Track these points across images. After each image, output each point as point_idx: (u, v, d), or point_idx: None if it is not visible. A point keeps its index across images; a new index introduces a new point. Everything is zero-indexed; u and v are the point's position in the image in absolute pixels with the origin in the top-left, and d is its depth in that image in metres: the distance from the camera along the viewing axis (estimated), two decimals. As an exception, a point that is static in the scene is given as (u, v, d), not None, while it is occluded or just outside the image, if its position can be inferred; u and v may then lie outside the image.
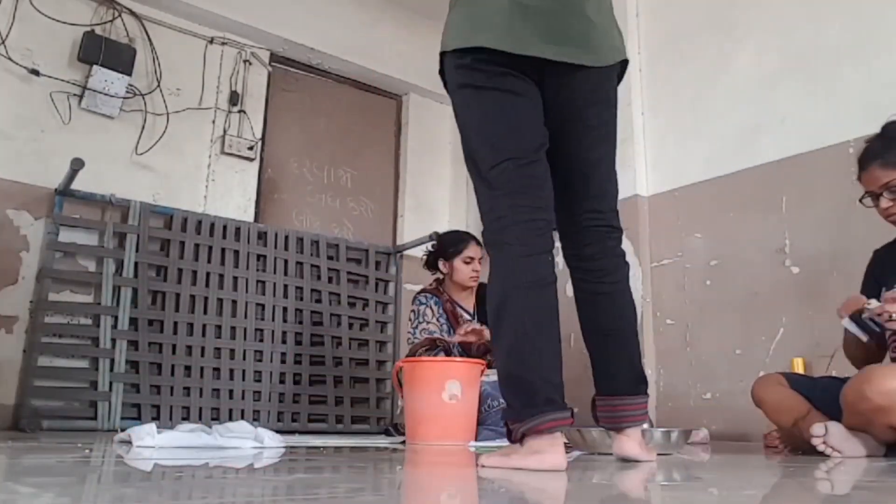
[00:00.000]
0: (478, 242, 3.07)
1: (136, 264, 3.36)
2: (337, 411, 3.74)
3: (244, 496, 0.96)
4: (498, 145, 1.51)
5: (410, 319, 3.16)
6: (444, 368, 2.48)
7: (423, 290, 3.25)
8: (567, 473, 1.33)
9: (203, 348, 3.45)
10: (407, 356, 2.99)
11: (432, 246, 3.32)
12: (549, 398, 1.36)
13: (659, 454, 1.85)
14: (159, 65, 3.72)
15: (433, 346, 2.95)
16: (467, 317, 3.15)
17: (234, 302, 3.60)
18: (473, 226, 4.71)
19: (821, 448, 1.86)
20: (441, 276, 3.25)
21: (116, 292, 3.29)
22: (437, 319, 3.09)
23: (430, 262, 3.27)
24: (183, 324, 3.42)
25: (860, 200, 2.04)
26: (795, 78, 3.00)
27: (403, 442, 2.65)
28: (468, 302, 3.21)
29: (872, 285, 2.10)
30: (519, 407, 1.39)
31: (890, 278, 2.03)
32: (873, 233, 2.28)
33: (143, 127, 3.61)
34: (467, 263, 3.10)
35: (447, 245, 3.18)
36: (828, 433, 1.85)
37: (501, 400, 2.60)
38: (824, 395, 2.00)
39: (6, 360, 3.06)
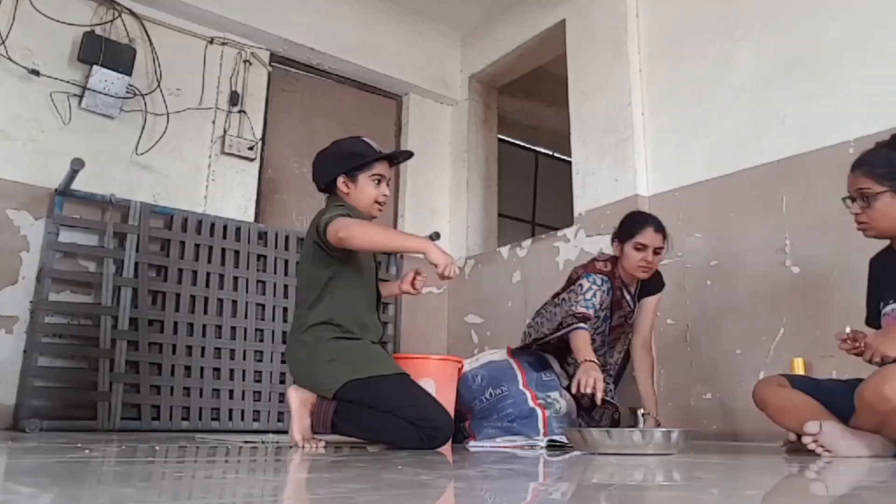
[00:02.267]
0: (656, 229, 2.66)
1: (136, 264, 3.36)
2: (337, 411, 3.74)
3: (244, 496, 0.96)
4: None
5: (574, 291, 2.67)
6: (416, 366, 2.36)
7: (598, 269, 2.70)
8: (565, 473, 1.33)
9: (203, 348, 3.45)
10: (559, 325, 2.65)
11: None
12: None
13: (659, 454, 1.86)
14: (159, 65, 3.72)
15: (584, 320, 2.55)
16: (628, 308, 2.76)
17: (234, 302, 3.60)
18: (473, 226, 4.72)
19: (811, 447, 1.85)
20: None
21: (116, 292, 3.29)
22: (599, 311, 2.66)
23: (612, 240, 2.80)
24: (183, 324, 3.42)
25: (843, 199, 2.02)
26: (795, 78, 3.00)
27: None
28: (633, 286, 2.79)
29: (875, 297, 2.08)
30: None
31: (886, 293, 2.00)
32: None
33: (143, 127, 3.61)
34: (638, 251, 2.66)
35: (624, 226, 2.74)
36: (821, 431, 1.84)
37: (504, 388, 2.58)
38: (830, 396, 1.98)
39: (6, 360, 3.06)
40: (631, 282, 2.77)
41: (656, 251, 2.65)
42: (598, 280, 2.67)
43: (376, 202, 2.30)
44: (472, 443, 2.51)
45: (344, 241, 2.05)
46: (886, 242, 2.06)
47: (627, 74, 3.65)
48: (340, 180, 2.27)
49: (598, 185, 3.72)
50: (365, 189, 2.28)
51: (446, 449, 2.13)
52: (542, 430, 2.50)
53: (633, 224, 2.70)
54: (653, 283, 2.82)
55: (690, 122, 3.40)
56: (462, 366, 2.63)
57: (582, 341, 2.50)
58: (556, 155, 6.70)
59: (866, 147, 2.70)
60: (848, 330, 1.96)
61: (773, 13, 3.13)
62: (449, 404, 2.36)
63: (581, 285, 2.66)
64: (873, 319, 2.08)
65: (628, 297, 2.78)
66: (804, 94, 2.96)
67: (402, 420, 2.05)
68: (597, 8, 3.90)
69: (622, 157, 3.61)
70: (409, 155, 2.45)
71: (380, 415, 2.07)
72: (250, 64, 4.06)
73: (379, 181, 2.29)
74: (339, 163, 2.29)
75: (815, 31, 2.96)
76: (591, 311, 2.59)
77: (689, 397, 3.14)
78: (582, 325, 2.53)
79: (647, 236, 2.64)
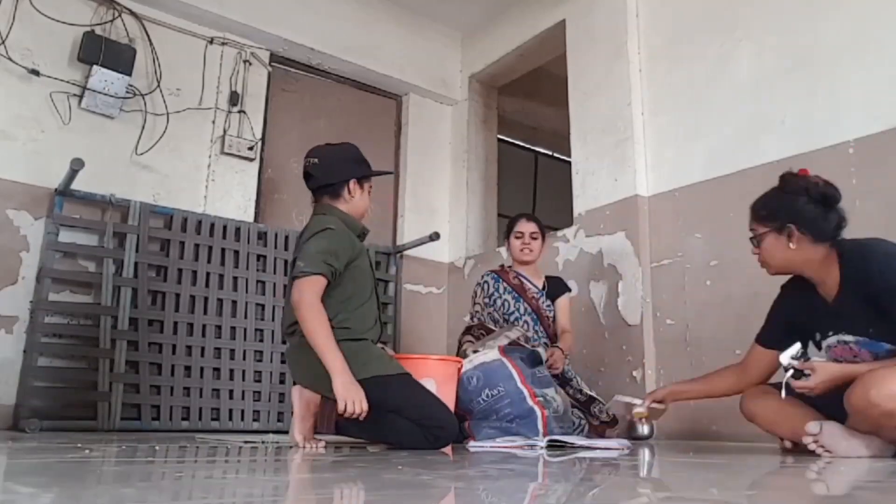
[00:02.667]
0: (528, 219, 3.28)
1: (135, 264, 3.36)
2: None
3: (244, 496, 0.96)
4: None
5: (473, 301, 3.32)
6: (416, 366, 2.37)
7: (487, 272, 3.36)
8: (565, 473, 1.32)
9: (203, 348, 3.45)
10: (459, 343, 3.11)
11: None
12: None
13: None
14: (159, 65, 3.72)
15: (472, 329, 3.11)
16: (534, 290, 3.24)
17: (234, 302, 3.60)
18: (473, 226, 4.72)
19: (812, 447, 1.86)
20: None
21: (116, 292, 3.29)
22: (489, 296, 3.23)
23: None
24: (183, 324, 3.42)
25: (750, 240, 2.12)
26: (795, 78, 3.00)
27: None
28: (536, 278, 3.29)
29: (781, 326, 2.10)
30: None
31: (821, 326, 2.00)
32: (873, 233, 2.27)
33: (143, 127, 3.61)
34: (517, 238, 3.25)
35: (506, 228, 3.35)
36: (822, 432, 1.85)
37: (500, 388, 2.58)
38: (821, 399, 1.95)
39: (6, 360, 3.06)
40: (530, 274, 3.28)
41: (532, 236, 3.24)
42: (480, 278, 3.34)
43: (365, 211, 2.40)
44: (471, 443, 2.50)
45: (295, 307, 2.04)
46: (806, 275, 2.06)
47: (627, 74, 3.66)
48: (353, 183, 2.30)
49: (597, 186, 3.72)
50: (365, 198, 2.36)
51: (446, 449, 2.13)
52: (541, 430, 2.50)
53: (511, 221, 3.33)
54: (559, 287, 3.33)
55: (690, 123, 3.40)
56: (461, 366, 2.62)
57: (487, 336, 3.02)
58: (555, 155, 6.70)
59: (866, 147, 2.72)
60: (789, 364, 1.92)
61: (773, 13, 3.13)
62: (449, 404, 2.37)
63: (474, 293, 3.33)
64: (772, 341, 2.10)
65: (531, 284, 3.25)
66: (804, 94, 2.96)
67: (406, 420, 2.05)
68: (597, 8, 3.90)
69: (622, 157, 3.61)
70: (390, 173, 2.80)
71: (385, 414, 2.07)
72: (250, 64, 4.06)
73: (369, 193, 2.41)
74: (355, 166, 2.33)
75: (815, 31, 2.96)
76: (468, 320, 3.27)
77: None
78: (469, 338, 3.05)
79: (521, 225, 3.26)
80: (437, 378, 2.40)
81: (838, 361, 1.92)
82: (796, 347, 1.91)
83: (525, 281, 3.27)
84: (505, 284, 3.24)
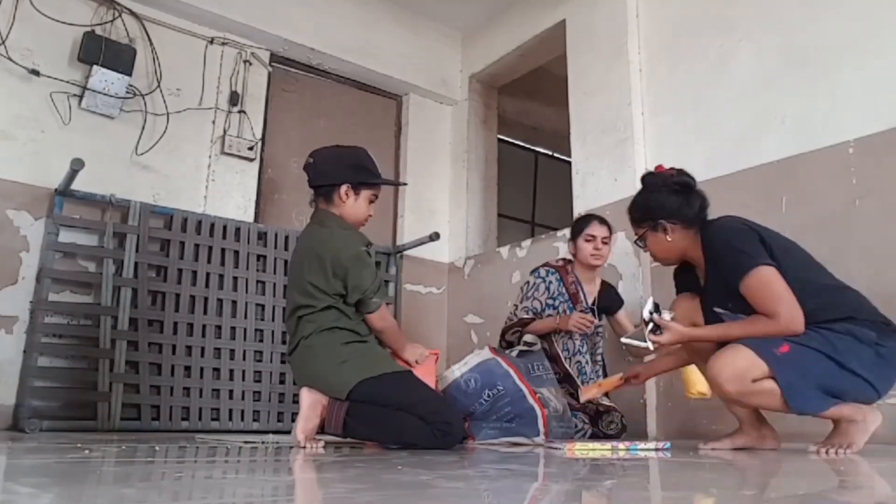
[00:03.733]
0: (601, 222, 3.12)
1: (135, 265, 3.36)
2: (337, 411, 3.74)
3: (244, 496, 0.96)
4: None
5: (520, 294, 3.12)
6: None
7: (545, 264, 3.17)
8: (565, 473, 1.32)
9: (203, 348, 3.45)
10: (502, 333, 3.07)
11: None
12: None
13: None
14: (159, 65, 3.72)
15: (523, 326, 3.00)
16: (584, 304, 3.08)
17: (234, 302, 3.60)
18: (473, 226, 4.72)
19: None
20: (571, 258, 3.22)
21: (116, 293, 3.29)
22: (553, 297, 3.06)
23: (568, 242, 3.28)
24: (183, 324, 3.42)
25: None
26: (795, 78, 3.00)
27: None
28: (591, 287, 3.15)
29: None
30: None
31: (711, 300, 2.13)
32: (873, 233, 2.28)
33: (143, 127, 3.61)
34: (588, 241, 3.09)
35: (575, 226, 3.20)
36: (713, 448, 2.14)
37: (500, 386, 2.57)
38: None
39: (6, 360, 3.06)
40: (587, 281, 3.13)
41: (604, 241, 3.08)
42: (543, 272, 3.11)
43: (365, 220, 2.37)
44: (471, 443, 2.49)
45: (375, 327, 2.27)
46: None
47: (627, 74, 3.65)
48: (344, 188, 2.27)
49: (597, 185, 3.72)
50: (362, 205, 2.32)
51: (447, 450, 2.12)
52: (542, 430, 2.49)
53: (581, 221, 3.18)
54: (612, 300, 3.23)
55: (690, 123, 3.40)
56: (438, 355, 2.59)
57: (538, 325, 2.98)
58: (555, 155, 6.70)
59: (866, 147, 2.72)
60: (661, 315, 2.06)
61: (773, 13, 3.13)
62: None
63: (527, 283, 3.11)
64: None
65: (584, 294, 3.11)
66: (804, 94, 2.96)
67: (414, 417, 2.06)
68: (597, 8, 3.90)
69: (622, 157, 3.61)
70: (404, 184, 2.70)
71: (392, 413, 2.07)
72: (250, 64, 4.06)
73: (372, 201, 2.36)
74: (350, 171, 2.29)
75: (815, 31, 2.96)
76: (528, 315, 3.03)
77: (689, 397, 3.13)
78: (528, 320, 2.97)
79: (594, 228, 3.09)
80: (419, 370, 2.38)
81: None
82: (650, 302, 2.05)
83: (580, 290, 3.10)
84: (564, 287, 3.08)
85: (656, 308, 2.05)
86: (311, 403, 2.13)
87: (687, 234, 2.12)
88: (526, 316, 3.04)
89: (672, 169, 2.17)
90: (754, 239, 1.98)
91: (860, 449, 1.91)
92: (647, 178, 2.20)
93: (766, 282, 1.90)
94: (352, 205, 2.28)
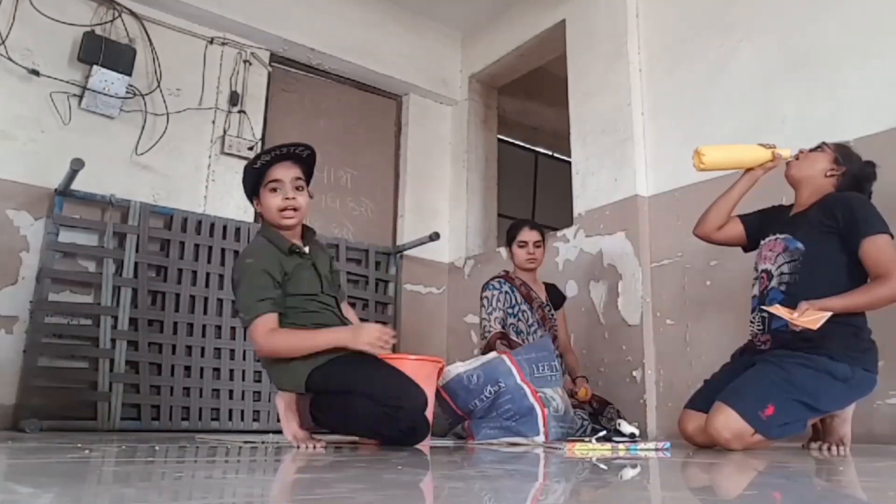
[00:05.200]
0: (531, 227, 3.26)
1: (135, 265, 3.36)
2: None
3: (244, 496, 0.96)
4: None
5: (483, 306, 3.17)
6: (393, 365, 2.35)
7: (493, 278, 3.28)
8: (565, 473, 1.32)
9: (203, 348, 3.45)
10: (483, 348, 3.08)
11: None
12: None
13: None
14: (159, 65, 3.72)
15: (504, 337, 3.06)
16: (540, 300, 3.23)
17: (234, 302, 3.59)
18: (473, 226, 4.71)
19: None
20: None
21: (116, 293, 3.29)
22: (512, 305, 3.17)
23: (506, 250, 3.42)
24: (183, 324, 3.42)
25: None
26: (795, 78, 3.00)
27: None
28: (538, 286, 3.29)
29: (757, 215, 2.54)
30: None
31: (773, 227, 2.41)
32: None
33: (143, 127, 3.61)
34: (521, 247, 3.22)
35: (508, 234, 3.32)
36: None
37: (501, 384, 2.57)
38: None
39: (6, 360, 3.06)
40: (531, 282, 3.27)
41: (536, 244, 3.21)
42: (496, 283, 3.21)
43: (280, 211, 2.14)
44: (471, 443, 2.49)
45: (260, 354, 2.12)
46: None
47: (627, 74, 3.65)
48: (255, 201, 2.19)
49: (597, 186, 3.72)
50: (266, 202, 2.15)
51: (446, 450, 2.12)
52: (542, 430, 2.49)
53: (512, 229, 3.30)
54: (558, 296, 3.37)
55: (690, 123, 3.40)
56: (443, 366, 2.58)
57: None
58: (555, 155, 6.70)
59: (866, 147, 2.71)
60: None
61: (773, 14, 3.13)
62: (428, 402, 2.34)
63: (485, 299, 3.19)
64: (746, 219, 2.56)
65: (536, 292, 3.25)
66: (804, 95, 2.96)
67: (364, 398, 1.96)
68: (597, 8, 3.90)
69: (622, 157, 3.61)
70: (299, 146, 2.18)
71: (345, 398, 2.00)
72: (250, 64, 4.06)
73: (274, 189, 2.14)
74: (245, 188, 2.21)
75: (815, 31, 2.96)
76: (498, 325, 3.11)
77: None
78: (501, 343, 3.00)
79: (525, 234, 3.22)
80: (416, 379, 2.35)
81: (763, 255, 2.39)
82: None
83: (531, 290, 3.24)
84: (517, 293, 3.19)
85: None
86: (284, 407, 2.12)
87: (832, 182, 2.31)
88: (499, 327, 3.12)
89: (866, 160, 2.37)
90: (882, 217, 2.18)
91: (849, 438, 2.18)
92: (868, 163, 2.37)
93: (891, 246, 2.11)
94: (265, 211, 2.16)
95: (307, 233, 2.30)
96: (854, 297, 2.09)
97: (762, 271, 2.37)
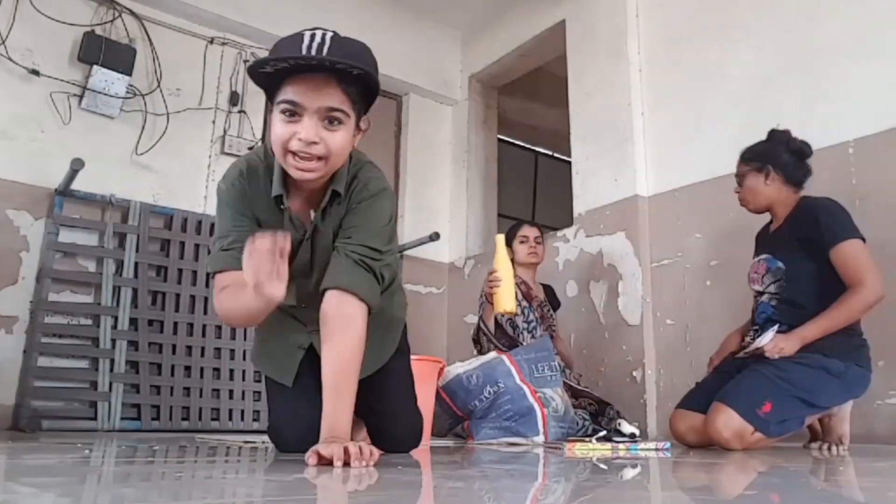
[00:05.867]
0: (530, 224, 3.38)
1: (136, 264, 3.36)
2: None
3: (244, 496, 0.96)
4: None
5: (481, 305, 3.22)
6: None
7: None
8: (565, 473, 1.32)
9: (203, 348, 3.45)
10: (475, 339, 3.16)
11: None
12: None
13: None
14: (159, 65, 3.72)
15: (502, 336, 3.09)
16: (540, 297, 3.28)
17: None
18: (473, 226, 4.72)
19: None
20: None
21: (116, 292, 3.29)
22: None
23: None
24: (183, 324, 3.42)
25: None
26: (795, 78, 3.00)
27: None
28: (536, 285, 3.35)
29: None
30: None
31: (759, 248, 2.47)
32: (873, 233, 2.28)
33: (143, 127, 3.61)
34: (523, 243, 3.28)
35: (507, 235, 3.33)
36: None
37: (501, 384, 2.58)
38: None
39: (6, 360, 3.06)
40: (531, 281, 3.31)
41: (536, 240, 3.30)
42: None
43: (289, 154, 1.38)
44: (471, 443, 2.50)
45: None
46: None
47: (627, 74, 3.65)
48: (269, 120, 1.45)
49: (597, 186, 3.72)
50: (274, 126, 1.39)
51: (446, 450, 2.12)
52: (541, 430, 2.49)
53: (512, 228, 3.38)
54: (554, 299, 3.42)
55: (690, 123, 3.40)
56: (443, 366, 2.59)
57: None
58: (556, 155, 6.70)
59: (866, 147, 2.72)
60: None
61: (773, 14, 3.13)
62: (428, 404, 2.37)
63: (483, 297, 3.14)
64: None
65: (536, 290, 3.30)
66: (804, 95, 2.96)
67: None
68: (597, 8, 3.90)
69: (622, 157, 3.61)
70: (347, 63, 1.42)
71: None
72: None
73: (291, 114, 1.36)
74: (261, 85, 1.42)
75: (815, 31, 2.96)
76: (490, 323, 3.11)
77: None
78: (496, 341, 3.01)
79: (525, 230, 3.32)
80: (416, 379, 2.33)
81: (751, 277, 2.43)
82: (775, 329, 2.21)
83: (530, 288, 3.27)
84: (517, 292, 3.18)
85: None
86: None
87: (782, 189, 2.34)
88: (491, 324, 3.14)
89: (797, 137, 2.39)
90: (851, 219, 2.21)
91: (848, 437, 2.21)
92: (774, 132, 2.40)
93: (860, 251, 2.14)
94: (272, 138, 1.40)
95: (333, 197, 1.51)
96: (830, 318, 2.13)
97: (755, 292, 2.45)
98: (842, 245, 2.14)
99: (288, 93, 1.36)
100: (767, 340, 2.17)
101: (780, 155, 2.35)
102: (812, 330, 2.14)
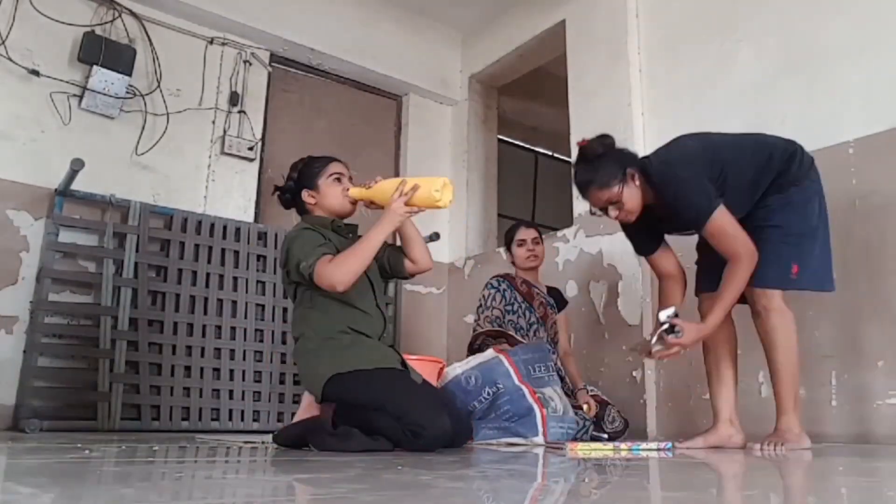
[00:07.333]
0: (527, 226, 3.34)
1: (135, 265, 3.36)
2: (337, 411, 3.74)
3: (244, 496, 0.96)
4: None
5: (479, 305, 3.21)
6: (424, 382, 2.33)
7: (494, 276, 3.31)
8: (565, 473, 1.32)
9: (203, 348, 3.45)
10: (469, 344, 3.09)
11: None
12: None
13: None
14: (159, 65, 3.72)
15: (497, 336, 3.04)
16: (542, 296, 3.25)
17: (234, 302, 3.60)
18: (473, 226, 4.71)
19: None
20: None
21: (116, 293, 3.29)
22: (509, 304, 3.18)
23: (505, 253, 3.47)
24: (183, 324, 3.42)
25: (590, 212, 2.45)
26: (795, 78, 3.00)
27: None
28: (540, 287, 3.31)
29: (642, 234, 2.51)
30: None
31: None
32: (873, 232, 2.28)
33: (143, 127, 3.61)
34: (521, 246, 3.26)
35: (505, 238, 3.39)
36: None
37: (499, 384, 2.57)
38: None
39: (6, 360, 3.06)
40: (533, 280, 3.28)
41: (534, 241, 3.25)
42: (495, 282, 3.23)
43: (342, 203, 2.28)
44: (470, 444, 2.49)
45: (336, 288, 2.01)
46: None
47: (627, 74, 3.65)
48: (305, 194, 2.26)
49: (597, 186, 3.71)
50: (329, 191, 2.26)
51: (446, 450, 2.12)
52: (541, 430, 2.49)
53: (510, 231, 3.34)
54: (559, 300, 3.35)
55: (690, 123, 3.38)
56: (443, 366, 2.59)
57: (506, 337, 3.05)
58: (555, 155, 6.70)
59: (866, 147, 2.72)
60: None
61: (773, 13, 3.13)
62: None
63: (483, 295, 3.21)
64: (646, 249, 2.55)
65: (538, 289, 3.25)
66: (804, 95, 2.96)
67: (388, 416, 1.95)
68: (597, 8, 3.90)
69: (622, 157, 3.60)
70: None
71: (368, 412, 1.98)
72: (250, 64, 4.06)
73: (338, 178, 2.28)
74: (298, 179, 2.31)
75: (815, 31, 2.96)
76: (487, 325, 3.11)
77: (689, 398, 3.14)
78: (492, 342, 2.97)
79: (522, 233, 3.27)
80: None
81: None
82: (672, 309, 2.17)
83: (532, 287, 3.25)
84: (516, 292, 3.21)
85: (676, 314, 2.17)
86: (305, 404, 2.13)
87: (635, 188, 2.25)
88: (490, 326, 3.12)
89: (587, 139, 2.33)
90: (699, 178, 2.14)
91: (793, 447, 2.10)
92: (591, 146, 2.30)
93: (721, 228, 2.13)
94: (321, 200, 2.25)
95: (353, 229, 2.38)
96: (724, 300, 2.16)
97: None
98: (706, 229, 2.15)
99: (334, 168, 2.34)
100: (664, 315, 2.17)
101: (619, 155, 2.29)
102: (714, 318, 2.17)
